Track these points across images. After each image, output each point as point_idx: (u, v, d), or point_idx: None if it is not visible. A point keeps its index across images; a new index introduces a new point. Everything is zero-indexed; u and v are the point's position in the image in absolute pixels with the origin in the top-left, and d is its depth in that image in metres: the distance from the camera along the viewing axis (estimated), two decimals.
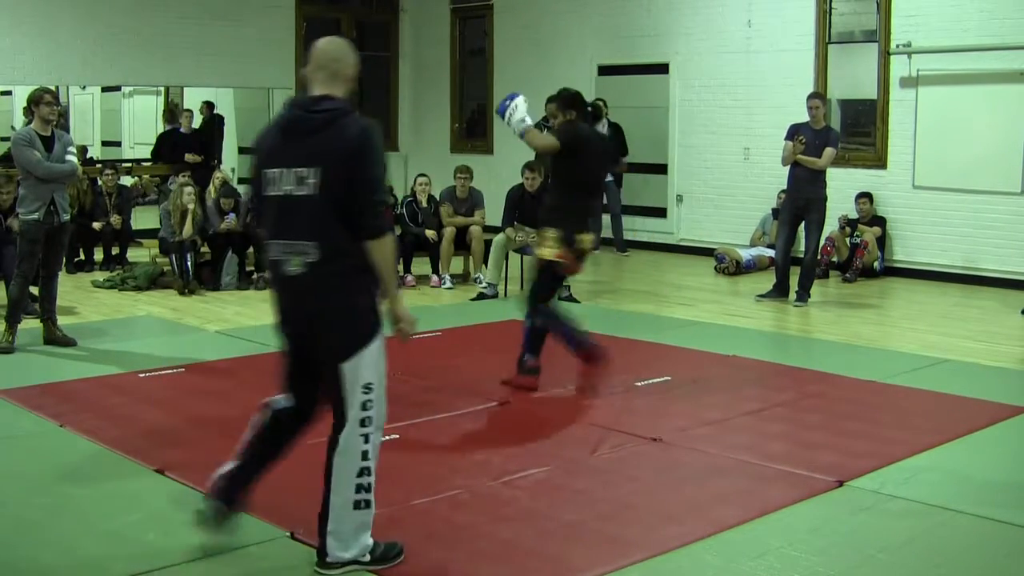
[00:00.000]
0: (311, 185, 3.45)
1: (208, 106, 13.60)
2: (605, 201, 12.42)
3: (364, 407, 3.55)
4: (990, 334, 7.94)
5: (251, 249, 9.91)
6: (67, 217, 7.17)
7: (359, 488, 3.61)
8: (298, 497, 4.39)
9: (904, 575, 3.73)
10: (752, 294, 9.50)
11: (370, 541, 3.67)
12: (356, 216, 3.45)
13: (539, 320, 5.99)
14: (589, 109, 6.16)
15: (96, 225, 10.73)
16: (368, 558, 3.66)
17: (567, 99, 6.04)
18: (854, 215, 10.65)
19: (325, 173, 3.43)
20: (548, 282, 6.02)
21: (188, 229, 9.65)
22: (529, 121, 5.90)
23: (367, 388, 3.54)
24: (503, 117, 5.99)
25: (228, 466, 3.82)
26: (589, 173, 6.00)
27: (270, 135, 3.66)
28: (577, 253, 5.89)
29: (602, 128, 12.26)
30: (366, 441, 3.60)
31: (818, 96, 9.16)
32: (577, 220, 5.86)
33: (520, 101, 5.90)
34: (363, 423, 3.57)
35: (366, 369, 3.53)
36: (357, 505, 3.61)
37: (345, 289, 3.51)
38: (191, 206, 9.69)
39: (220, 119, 13.71)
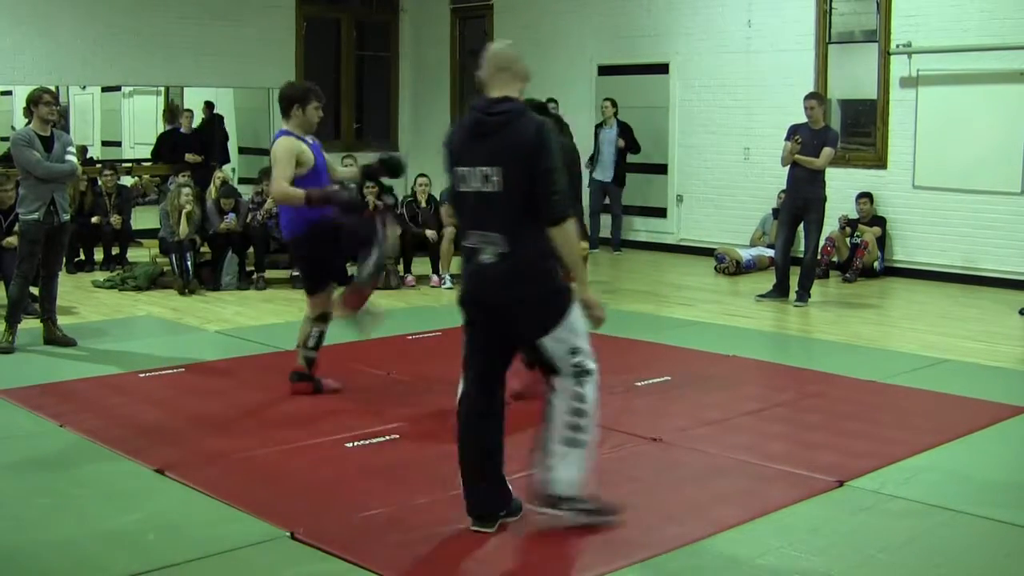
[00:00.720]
0: (495, 182, 3.78)
1: (208, 106, 13.60)
2: (607, 201, 12.47)
3: (575, 367, 3.90)
4: (990, 334, 7.94)
5: (251, 249, 9.91)
6: (67, 217, 7.17)
7: (572, 427, 3.90)
8: (298, 497, 4.39)
9: (904, 575, 3.73)
10: (752, 294, 9.50)
11: (584, 483, 3.94)
12: (538, 207, 3.77)
13: None
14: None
15: (94, 219, 10.70)
16: (589, 504, 3.96)
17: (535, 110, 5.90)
18: (854, 215, 10.65)
19: (506, 171, 3.76)
20: None
21: (184, 229, 9.65)
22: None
23: (573, 351, 3.89)
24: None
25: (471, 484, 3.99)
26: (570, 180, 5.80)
27: (458, 135, 3.96)
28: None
29: (612, 129, 12.31)
30: (580, 386, 3.91)
31: (814, 97, 9.15)
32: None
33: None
34: (576, 376, 3.91)
35: (567, 339, 3.88)
36: (570, 443, 3.90)
37: (534, 276, 3.83)
38: (188, 207, 9.70)
39: (220, 119, 13.71)
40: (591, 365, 3.95)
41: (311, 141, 5.85)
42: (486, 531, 3.95)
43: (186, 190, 9.90)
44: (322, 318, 5.97)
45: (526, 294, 3.84)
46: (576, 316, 3.92)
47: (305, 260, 6.15)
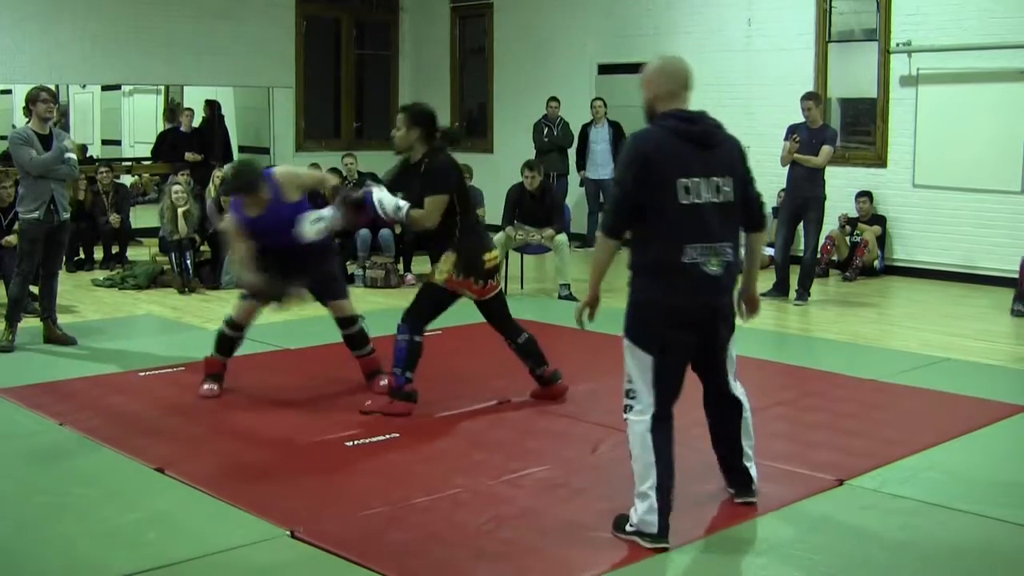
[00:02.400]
0: (727, 192, 3.93)
1: (211, 105, 13.60)
2: (602, 199, 12.46)
3: (735, 367, 4.22)
4: (990, 333, 7.94)
5: None
6: (67, 216, 7.17)
7: (751, 434, 4.29)
8: (298, 496, 4.40)
9: (904, 574, 3.73)
10: None
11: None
12: (752, 213, 4.08)
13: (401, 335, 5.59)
14: (439, 133, 5.66)
15: (82, 193, 10.68)
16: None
17: (416, 115, 5.55)
18: (854, 214, 10.65)
19: (735, 180, 3.97)
20: (430, 304, 5.62)
21: (183, 227, 9.66)
22: (401, 202, 5.50)
23: (733, 360, 4.20)
24: (376, 214, 5.63)
25: (647, 506, 3.88)
26: (465, 196, 5.67)
27: (673, 146, 3.90)
28: (485, 273, 5.62)
29: (602, 128, 12.33)
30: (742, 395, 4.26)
31: (811, 97, 9.15)
32: (474, 241, 5.61)
33: (375, 191, 5.56)
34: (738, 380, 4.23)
35: (733, 341, 4.19)
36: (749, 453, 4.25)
37: (734, 283, 4.06)
38: (181, 207, 9.70)
39: (221, 118, 13.71)
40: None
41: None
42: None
43: (176, 188, 9.88)
44: (241, 328, 5.96)
45: (731, 299, 4.10)
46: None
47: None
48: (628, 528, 3.91)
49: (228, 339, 6.00)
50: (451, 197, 5.48)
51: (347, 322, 6.06)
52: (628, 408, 3.97)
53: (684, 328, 3.92)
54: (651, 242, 3.90)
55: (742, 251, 4.10)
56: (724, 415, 4.28)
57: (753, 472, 4.27)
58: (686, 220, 3.85)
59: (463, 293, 5.63)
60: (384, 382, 5.88)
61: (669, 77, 4.03)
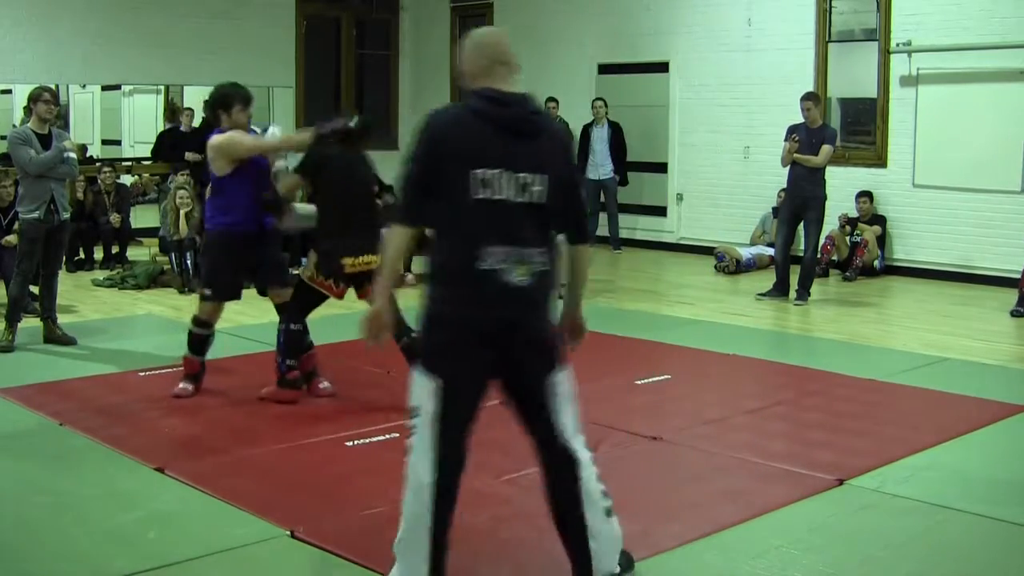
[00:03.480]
0: (536, 192, 3.25)
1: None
2: (602, 199, 12.47)
3: (575, 416, 3.35)
4: (990, 333, 7.94)
5: None
6: (67, 215, 7.17)
7: (604, 494, 3.38)
8: (298, 497, 4.39)
9: (904, 573, 3.73)
10: (752, 293, 9.50)
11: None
12: (574, 221, 3.42)
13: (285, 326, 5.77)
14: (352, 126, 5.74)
15: (82, 193, 10.65)
16: (618, 569, 3.43)
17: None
18: (854, 214, 10.65)
19: (550, 179, 3.27)
20: (303, 299, 5.80)
21: (184, 228, 9.67)
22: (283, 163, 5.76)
23: (572, 399, 3.36)
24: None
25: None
26: (336, 193, 5.67)
27: (473, 129, 3.23)
28: (339, 278, 5.66)
29: (603, 128, 12.33)
30: (585, 447, 3.37)
31: (810, 98, 9.14)
32: (336, 244, 5.61)
33: (274, 129, 5.92)
34: (582, 440, 3.35)
35: (568, 380, 3.36)
36: (608, 512, 3.38)
37: (550, 302, 3.38)
38: (184, 210, 9.72)
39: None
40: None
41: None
42: None
43: (181, 192, 9.91)
44: (209, 325, 6.06)
45: (549, 320, 3.36)
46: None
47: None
48: None
49: (199, 337, 6.02)
50: (313, 185, 5.72)
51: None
52: (408, 439, 3.30)
53: (479, 350, 3.23)
54: (443, 242, 3.26)
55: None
56: (555, 477, 3.35)
57: (595, 554, 3.33)
58: (483, 218, 3.19)
59: (326, 293, 5.76)
60: (323, 384, 6.05)
61: (481, 51, 3.29)
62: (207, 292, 5.98)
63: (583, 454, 3.32)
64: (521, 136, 3.23)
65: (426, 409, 3.21)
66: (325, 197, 5.69)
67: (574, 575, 3.37)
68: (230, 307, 8.83)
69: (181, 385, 5.97)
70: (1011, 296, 9.26)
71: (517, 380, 3.31)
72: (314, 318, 6.60)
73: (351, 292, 5.86)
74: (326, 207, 5.69)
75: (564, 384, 3.32)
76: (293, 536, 3.95)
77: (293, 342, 5.79)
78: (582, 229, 3.45)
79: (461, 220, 3.21)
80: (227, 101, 5.78)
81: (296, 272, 6.32)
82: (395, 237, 3.29)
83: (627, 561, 3.49)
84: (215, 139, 5.74)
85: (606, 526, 3.34)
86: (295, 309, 5.80)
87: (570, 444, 3.31)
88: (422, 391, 3.23)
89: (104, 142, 14.74)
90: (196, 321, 6.02)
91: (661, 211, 12.66)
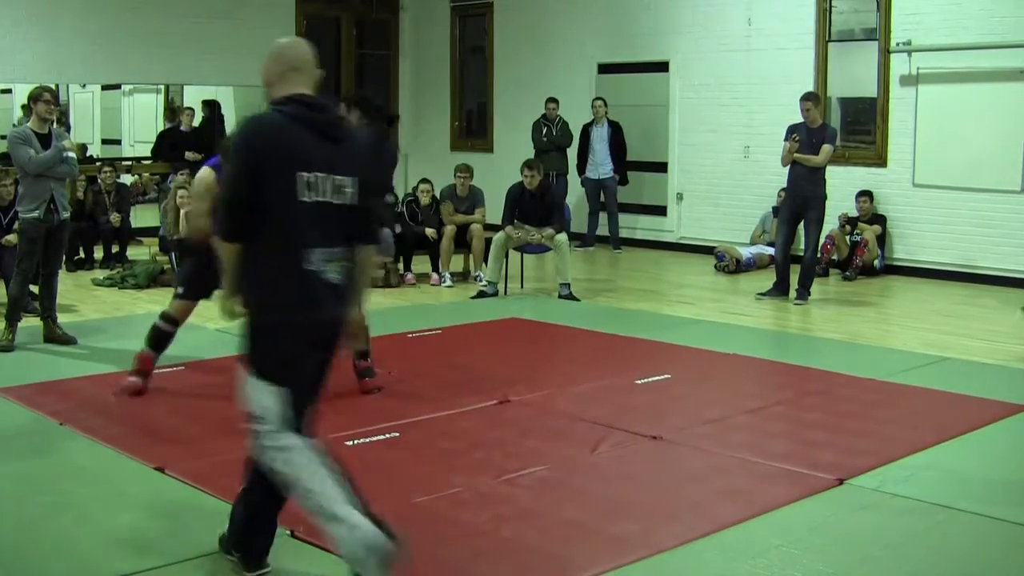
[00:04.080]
0: (349, 194, 3.40)
1: (210, 105, 13.59)
2: (602, 199, 12.48)
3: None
4: (990, 332, 7.94)
5: None
6: (67, 215, 7.17)
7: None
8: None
9: (904, 573, 3.73)
10: (752, 292, 9.50)
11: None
12: (371, 223, 3.55)
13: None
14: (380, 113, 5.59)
15: (82, 193, 10.65)
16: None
17: (349, 101, 5.52)
18: (854, 213, 10.65)
19: (359, 182, 3.43)
20: None
21: (184, 228, 9.66)
22: None
23: None
24: None
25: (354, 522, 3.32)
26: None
27: (294, 134, 3.35)
28: None
29: (602, 128, 12.34)
30: None
31: (810, 98, 9.14)
32: None
33: None
34: None
35: None
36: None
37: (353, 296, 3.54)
38: (184, 210, 9.72)
39: (221, 118, 13.70)
40: None
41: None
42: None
43: (182, 192, 9.90)
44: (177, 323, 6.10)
45: (349, 313, 3.53)
46: None
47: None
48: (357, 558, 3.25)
49: (162, 333, 6.02)
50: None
51: None
52: (264, 444, 3.35)
53: (314, 350, 3.39)
54: (269, 247, 3.33)
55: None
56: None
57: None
58: (308, 220, 3.31)
59: None
60: None
61: (276, 59, 3.44)
62: (180, 291, 6.07)
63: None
64: (334, 140, 3.39)
65: (272, 416, 3.33)
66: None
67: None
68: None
69: (132, 379, 5.96)
70: (1013, 295, 9.28)
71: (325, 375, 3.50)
72: None
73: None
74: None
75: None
76: (293, 536, 3.95)
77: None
78: (372, 231, 3.58)
79: (287, 223, 3.31)
80: None
81: None
82: (226, 252, 3.44)
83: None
84: (206, 175, 5.72)
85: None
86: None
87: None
88: (266, 398, 3.34)
89: (104, 142, 14.74)
90: (165, 316, 6.04)
91: (661, 211, 12.66)
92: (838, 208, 10.39)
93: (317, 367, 3.43)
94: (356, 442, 5.09)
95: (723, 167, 11.94)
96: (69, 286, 9.37)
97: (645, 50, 12.57)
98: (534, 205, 9.49)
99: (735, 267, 10.87)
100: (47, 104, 6.97)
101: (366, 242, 3.52)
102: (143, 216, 12.01)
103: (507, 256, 9.52)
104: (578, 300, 9.03)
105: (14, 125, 9.79)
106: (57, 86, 10.69)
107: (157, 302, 9.01)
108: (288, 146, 3.32)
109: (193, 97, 13.83)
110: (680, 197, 12.45)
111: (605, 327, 7.82)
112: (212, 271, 5.84)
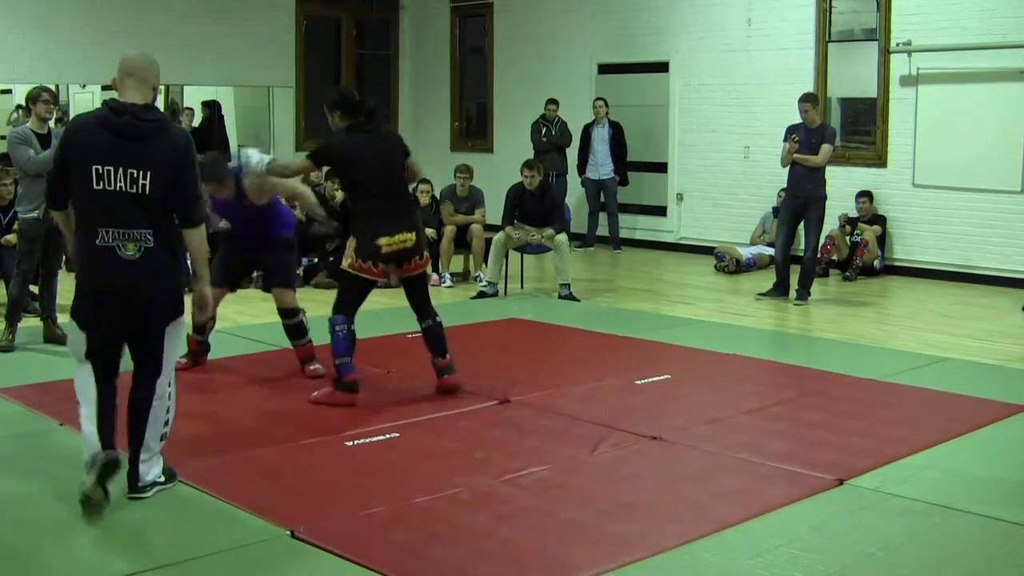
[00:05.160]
0: (143, 185, 4.11)
1: (210, 105, 13.60)
2: (602, 199, 12.48)
3: (167, 363, 4.40)
4: (990, 332, 7.94)
5: None
6: None
7: (167, 423, 4.44)
8: (298, 495, 4.40)
9: (904, 573, 3.73)
10: (752, 292, 9.50)
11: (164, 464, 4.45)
12: (180, 208, 4.22)
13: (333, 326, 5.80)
14: (360, 109, 5.80)
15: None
16: (163, 478, 4.43)
17: (330, 102, 5.83)
18: (854, 213, 10.66)
19: (156, 174, 4.12)
20: (349, 292, 5.84)
21: None
22: (265, 156, 5.95)
23: (174, 349, 4.42)
24: (244, 171, 6.08)
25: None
26: (370, 180, 5.71)
27: (94, 132, 4.13)
28: (378, 258, 5.68)
29: (603, 128, 12.35)
30: (170, 385, 4.45)
31: (808, 99, 9.13)
32: (378, 226, 5.67)
33: (248, 152, 6.05)
34: (167, 373, 4.41)
35: (180, 334, 4.46)
36: (163, 437, 4.44)
37: (174, 270, 4.29)
38: None
39: (221, 118, 13.71)
40: (174, 371, 4.49)
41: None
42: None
43: None
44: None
45: (169, 285, 4.28)
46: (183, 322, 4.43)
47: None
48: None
49: (197, 322, 6.35)
50: (341, 171, 5.90)
51: (288, 313, 6.46)
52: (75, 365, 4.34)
53: (111, 308, 4.22)
54: (78, 225, 4.21)
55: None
56: (135, 397, 4.42)
57: (144, 469, 4.37)
58: (101, 205, 4.11)
59: (369, 277, 5.78)
60: (314, 366, 6.40)
61: (119, 67, 4.22)
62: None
63: (162, 389, 4.39)
64: (132, 139, 4.11)
65: (79, 351, 4.32)
66: (353, 183, 5.76)
67: (129, 475, 4.35)
68: (230, 307, 8.87)
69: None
70: (1012, 295, 9.29)
71: (138, 329, 4.31)
72: (314, 319, 6.61)
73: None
74: (355, 192, 5.76)
75: (175, 333, 4.39)
76: (293, 536, 3.95)
77: (346, 342, 5.77)
78: (192, 215, 4.26)
79: (84, 206, 4.17)
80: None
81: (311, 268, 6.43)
82: (59, 218, 4.42)
83: (171, 475, 4.49)
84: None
85: (157, 444, 4.41)
86: (343, 302, 5.84)
87: (154, 380, 4.37)
88: (75, 338, 4.33)
89: None
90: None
91: (661, 211, 12.66)
92: (838, 208, 10.39)
93: (114, 320, 4.25)
94: (356, 442, 5.09)
95: (723, 167, 11.94)
96: (69, 286, 9.28)
97: (645, 50, 12.57)
98: (534, 205, 9.49)
99: (735, 267, 10.87)
100: (47, 104, 6.97)
101: (185, 225, 4.26)
102: None
103: (507, 256, 9.52)
104: (578, 300, 9.03)
105: (12, 125, 9.79)
106: (57, 86, 10.69)
107: None
108: (86, 143, 4.12)
109: (193, 97, 13.83)
110: (680, 197, 12.46)
111: (605, 327, 7.82)
112: (237, 260, 6.43)
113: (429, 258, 6.08)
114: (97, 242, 4.11)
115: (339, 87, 6.17)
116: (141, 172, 4.09)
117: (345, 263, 5.76)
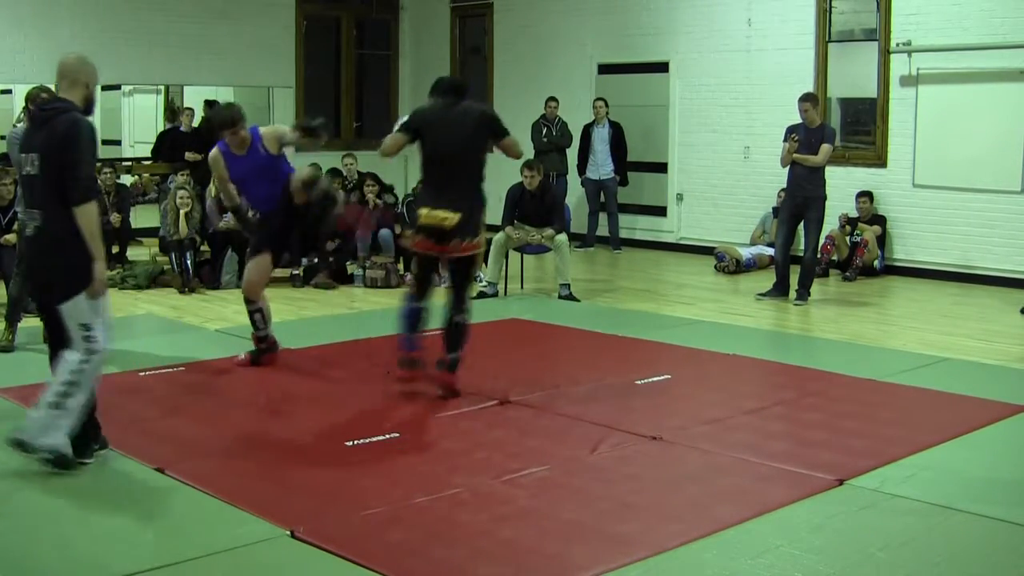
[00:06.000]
0: (38, 168, 4.52)
1: (211, 105, 13.58)
2: (602, 199, 12.48)
3: (85, 340, 4.53)
4: (990, 333, 7.94)
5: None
6: None
7: (62, 394, 4.51)
8: (298, 496, 4.40)
9: (904, 573, 3.73)
10: (752, 293, 9.50)
11: (61, 443, 4.55)
12: (64, 188, 4.46)
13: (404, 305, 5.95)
14: (448, 86, 6.07)
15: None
16: (49, 456, 4.53)
17: (431, 89, 6.09)
18: (854, 214, 10.66)
19: (44, 157, 4.50)
20: (413, 268, 5.99)
21: (184, 228, 9.68)
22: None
23: (83, 326, 4.53)
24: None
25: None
26: (434, 149, 5.82)
27: (28, 127, 4.75)
28: (417, 229, 5.76)
29: (603, 128, 12.35)
30: (83, 363, 4.53)
31: (808, 99, 9.13)
32: (426, 199, 5.78)
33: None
34: (86, 351, 4.53)
35: (83, 310, 4.54)
36: (55, 406, 4.52)
37: (63, 248, 4.49)
38: (183, 210, 9.74)
39: None
40: (98, 347, 4.57)
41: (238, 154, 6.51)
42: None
43: (182, 192, 9.93)
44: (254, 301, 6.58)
45: (57, 263, 4.52)
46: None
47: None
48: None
49: (249, 315, 6.57)
50: (412, 140, 5.86)
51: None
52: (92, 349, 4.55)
53: (30, 284, 4.86)
54: None
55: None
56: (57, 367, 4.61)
57: (32, 427, 4.56)
58: (23, 188, 4.77)
59: (421, 252, 5.88)
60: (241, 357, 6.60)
61: (56, 71, 4.70)
62: (249, 250, 6.65)
63: (71, 356, 4.54)
64: (36, 128, 4.61)
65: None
66: (424, 152, 5.83)
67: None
68: (229, 307, 8.88)
69: (241, 356, 6.65)
70: (1012, 296, 9.29)
71: (48, 302, 4.64)
72: (315, 319, 6.61)
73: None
74: (422, 162, 5.84)
75: (74, 310, 4.53)
76: (293, 536, 3.95)
77: (411, 319, 5.89)
78: (72, 194, 4.46)
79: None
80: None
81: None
82: None
83: (60, 460, 4.55)
84: (213, 152, 6.59)
85: (43, 412, 4.54)
86: (413, 283, 5.95)
87: (66, 348, 4.56)
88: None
89: (104, 142, 14.70)
90: (244, 300, 6.62)
91: (661, 211, 12.66)
92: (838, 208, 10.39)
93: (33, 295, 4.97)
94: (356, 442, 5.09)
95: (723, 167, 11.94)
96: None
97: (645, 50, 12.57)
98: (534, 205, 9.49)
99: (735, 267, 10.87)
100: None
101: (67, 204, 4.46)
102: (143, 216, 12.00)
103: (507, 256, 9.52)
104: (578, 300, 9.02)
105: (14, 126, 9.78)
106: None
107: (157, 303, 9.04)
108: (21, 135, 4.79)
109: (193, 97, 13.83)
110: (680, 197, 12.46)
111: (605, 327, 7.82)
112: (278, 228, 6.51)
113: (475, 246, 5.95)
114: (19, 221, 4.63)
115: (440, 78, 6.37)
116: (36, 156, 4.52)
117: (405, 241, 5.88)
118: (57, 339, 4.67)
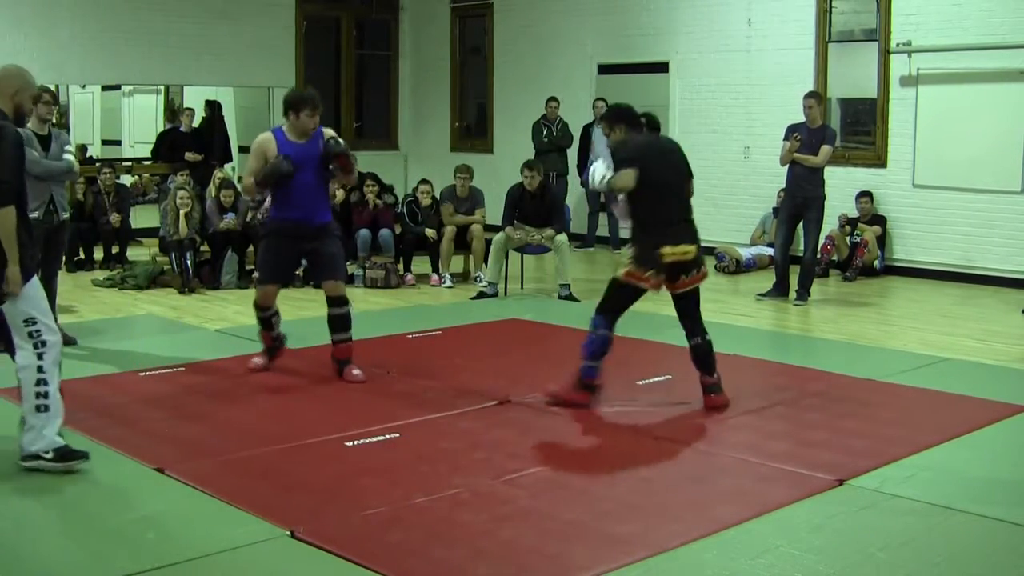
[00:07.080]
0: None
1: (211, 105, 13.60)
2: (603, 199, 12.46)
3: (31, 336, 4.55)
4: (990, 333, 7.94)
5: (250, 248, 9.92)
6: (66, 216, 7.16)
7: (38, 395, 4.56)
8: (298, 496, 4.40)
9: (904, 573, 3.73)
10: (752, 293, 9.50)
11: (55, 438, 4.60)
12: None
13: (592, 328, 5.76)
14: (643, 119, 5.86)
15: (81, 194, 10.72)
16: (49, 455, 4.57)
17: (613, 115, 5.92)
18: (854, 214, 10.66)
19: None
20: (615, 297, 5.76)
21: (183, 228, 9.68)
22: (608, 173, 5.72)
23: (29, 321, 4.55)
24: (591, 185, 5.99)
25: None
26: (659, 183, 5.66)
27: None
28: (659, 267, 5.62)
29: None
30: (40, 359, 4.55)
31: (813, 96, 9.15)
32: (656, 235, 5.63)
33: (597, 165, 5.85)
34: (35, 347, 4.55)
35: (20, 311, 4.53)
36: (40, 408, 4.56)
37: None
38: (183, 210, 9.74)
39: (221, 118, 13.71)
40: (48, 337, 4.58)
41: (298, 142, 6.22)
42: None
43: (182, 192, 9.93)
44: (267, 308, 6.45)
45: None
46: (35, 289, 4.58)
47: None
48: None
49: (263, 319, 6.42)
50: (639, 176, 5.55)
51: (338, 301, 6.33)
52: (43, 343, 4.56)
53: None
54: None
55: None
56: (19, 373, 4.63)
57: (26, 439, 4.60)
58: None
59: (641, 286, 5.68)
60: (356, 371, 6.24)
61: None
62: (256, 276, 6.54)
63: (24, 361, 4.56)
64: None
65: None
66: (642, 186, 5.60)
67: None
68: (229, 307, 8.88)
69: (255, 360, 6.48)
70: (1012, 296, 9.29)
71: None
72: (315, 319, 6.62)
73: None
74: (644, 197, 5.63)
75: (11, 310, 4.54)
76: (293, 536, 3.95)
77: (598, 346, 5.72)
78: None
79: None
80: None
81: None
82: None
83: (61, 454, 4.59)
84: (264, 137, 6.32)
85: (35, 417, 4.56)
86: (609, 305, 5.76)
87: (13, 355, 4.62)
88: None
89: (104, 142, 14.75)
90: (255, 305, 6.44)
91: None
92: (838, 209, 10.39)
93: None
94: (356, 442, 5.09)
95: (723, 167, 11.94)
96: (69, 287, 9.37)
97: (645, 50, 12.57)
98: (534, 206, 9.49)
99: (735, 268, 10.87)
100: (47, 105, 6.95)
101: None
102: (143, 217, 12.01)
103: (507, 257, 9.52)
104: (578, 301, 9.02)
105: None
106: (57, 86, 10.68)
107: (157, 303, 9.04)
108: None
109: (193, 97, 13.83)
110: None
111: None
112: (283, 257, 6.37)
113: (706, 273, 5.99)
114: None
115: (615, 104, 6.16)
116: None
117: (620, 272, 5.65)
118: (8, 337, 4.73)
